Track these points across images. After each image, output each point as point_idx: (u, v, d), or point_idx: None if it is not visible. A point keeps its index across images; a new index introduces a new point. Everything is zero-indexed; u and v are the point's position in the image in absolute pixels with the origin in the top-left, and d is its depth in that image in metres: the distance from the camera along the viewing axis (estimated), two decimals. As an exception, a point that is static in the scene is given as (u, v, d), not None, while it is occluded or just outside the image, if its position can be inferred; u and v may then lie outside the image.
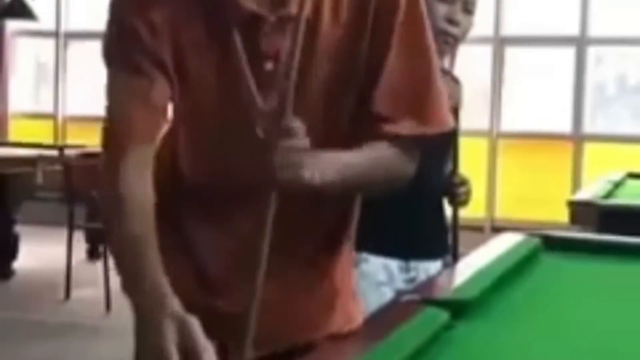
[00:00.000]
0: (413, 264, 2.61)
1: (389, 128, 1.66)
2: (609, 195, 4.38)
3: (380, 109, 1.66)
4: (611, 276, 2.42)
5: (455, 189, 2.72)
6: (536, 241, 2.59)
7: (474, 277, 2.01)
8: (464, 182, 2.75)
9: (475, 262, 2.21)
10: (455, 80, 2.67)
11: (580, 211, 3.90)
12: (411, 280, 2.58)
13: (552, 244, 2.63)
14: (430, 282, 2.24)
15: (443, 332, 1.63)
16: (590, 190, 4.49)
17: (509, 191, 8.16)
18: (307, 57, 1.60)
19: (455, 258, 2.72)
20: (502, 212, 8.05)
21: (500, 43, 8.22)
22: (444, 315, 1.67)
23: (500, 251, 2.37)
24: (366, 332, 1.64)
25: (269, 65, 1.63)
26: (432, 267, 2.62)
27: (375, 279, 2.53)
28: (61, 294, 6.18)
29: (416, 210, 2.64)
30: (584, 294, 2.22)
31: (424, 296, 1.78)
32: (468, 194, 2.76)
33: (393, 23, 1.65)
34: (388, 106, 1.67)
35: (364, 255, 2.49)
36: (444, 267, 2.63)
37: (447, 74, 2.67)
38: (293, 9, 1.59)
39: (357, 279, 2.44)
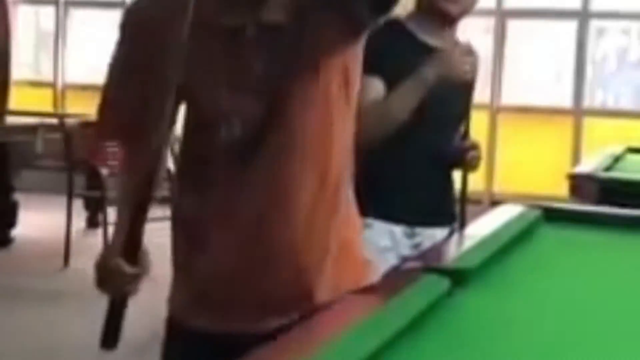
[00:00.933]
0: (418, 229, 2.61)
1: None
2: (609, 169, 4.38)
3: None
4: (611, 248, 2.43)
5: (465, 153, 2.69)
6: (536, 213, 2.60)
7: (475, 247, 2.02)
8: (474, 146, 2.72)
9: (477, 232, 2.22)
10: (471, 52, 2.62)
11: (580, 184, 3.90)
12: (416, 245, 2.58)
13: (553, 216, 2.64)
14: (433, 250, 2.25)
15: (443, 300, 1.64)
16: (591, 163, 4.49)
17: (508, 164, 8.16)
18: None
19: (463, 224, 2.73)
20: (501, 185, 8.06)
21: (501, 16, 8.19)
22: (444, 283, 1.68)
23: (502, 222, 2.38)
24: (367, 299, 1.65)
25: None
26: (438, 233, 2.62)
27: (378, 245, 2.53)
28: (60, 262, 6.19)
29: (424, 177, 2.64)
30: (583, 265, 2.22)
31: (425, 264, 1.79)
32: (478, 158, 2.74)
33: None
34: None
35: (369, 220, 2.48)
36: (449, 235, 2.63)
37: (460, 44, 2.66)
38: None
39: None
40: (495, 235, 2.20)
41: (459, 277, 1.74)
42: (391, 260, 2.49)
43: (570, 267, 2.19)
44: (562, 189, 4.10)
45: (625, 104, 8.36)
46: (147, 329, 4.99)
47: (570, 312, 1.76)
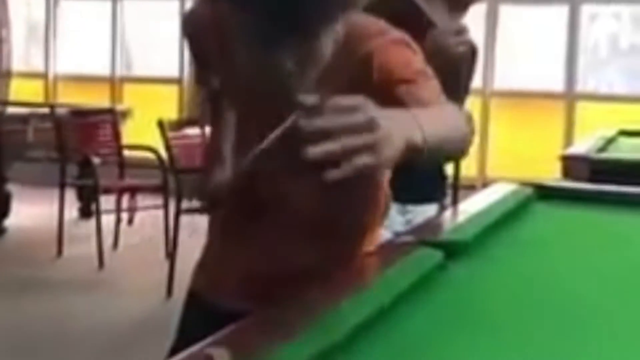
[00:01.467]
0: (410, 207, 2.61)
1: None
2: (601, 150, 4.38)
3: None
4: (604, 224, 2.43)
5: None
6: (529, 190, 2.60)
7: (469, 221, 2.02)
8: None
9: (469, 208, 2.22)
10: (465, 30, 2.66)
11: (573, 165, 3.90)
12: (408, 222, 2.58)
13: (545, 194, 2.64)
14: (426, 224, 2.25)
15: (437, 272, 1.64)
16: (583, 145, 4.49)
17: (501, 149, 8.16)
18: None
19: (456, 199, 2.73)
20: (494, 170, 8.05)
21: (494, 1, 8.18)
22: (437, 255, 1.68)
23: (495, 198, 2.38)
24: (360, 271, 1.65)
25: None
26: (429, 209, 2.62)
27: None
28: (53, 251, 6.18)
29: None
30: (576, 240, 2.23)
31: (418, 237, 1.79)
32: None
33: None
34: None
35: None
36: (440, 210, 2.63)
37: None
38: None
39: None
40: (488, 210, 2.20)
41: (452, 249, 1.74)
42: (386, 237, 2.48)
43: (563, 243, 2.19)
44: (555, 173, 4.09)
45: (618, 88, 8.35)
46: (144, 308, 5.00)
47: (562, 284, 1.77)
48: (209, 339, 1.15)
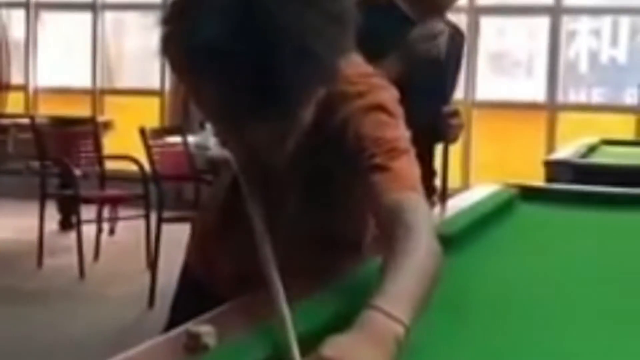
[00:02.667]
0: None
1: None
2: (584, 157, 4.39)
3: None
4: (586, 224, 2.43)
5: (447, 120, 2.61)
6: (513, 191, 2.59)
7: (455, 217, 2.02)
8: (456, 113, 2.64)
9: (456, 205, 2.22)
10: (461, 34, 2.74)
11: (556, 170, 3.90)
12: None
13: (529, 195, 2.64)
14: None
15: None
16: (566, 151, 4.50)
17: (483, 160, 8.17)
18: None
19: (445, 196, 2.71)
20: (477, 181, 8.05)
21: (475, 13, 8.21)
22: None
23: (479, 197, 2.37)
24: (349, 260, 1.63)
25: None
26: None
27: None
28: (34, 262, 6.13)
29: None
30: (560, 237, 2.23)
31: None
32: (460, 127, 2.67)
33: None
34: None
35: None
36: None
37: (452, 26, 2.68)
38: None
39: None
40: (474, 207, 2.19)
41: (440, 243, 1.72)
42: None
43: (548, 238, 2.19)
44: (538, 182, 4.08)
45: (598, 98, 8.38)
46: (126, 319, 4.96)
47: (546, 277, 1.76)
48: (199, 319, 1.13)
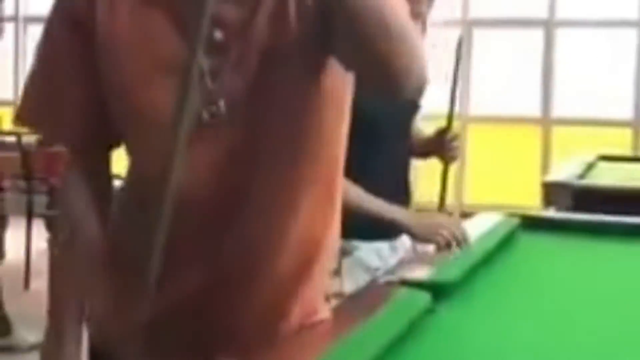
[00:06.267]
0: (399, 242, 2.49)
1: None
2: (582, 176, 4.30)
3: None
4: (590, 255, 2.35)
5: (449, 144, 2.70)
6: (515, 221, 2.51)
7: (455, 258, 1.92)
8: (456, 137, 2.74)
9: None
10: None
11: (555, 192, 3.80)
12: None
13: (531, 224, 2.56)
14: (409, 261, 2.13)
15: (425, 316, 1.51)
16: (564, 171, 4.40)
17: (478, 175, 8.07)
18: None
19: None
20: (472, 197, 7.97)
21: (468, 26, 8.13)
22: (425, 298, 1.55)
23: (480, 231, 2.28)
24: (342, 316, 1.51)
25: (218, 35, 1.37)
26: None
27: (370, 265, 2.42)
28: (20, 284, 6.00)
29: (394, 186, 2.53)
30: (564, 274, 2.14)
31: (403, 277, 1.66)
32: (459, 149, 2.77)
33: None
34: None
35: (355, 243, 2.39)
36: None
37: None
38: None
39: (352, 267, 2.35)
40: (475, 245, 2.10)
41: (439, 291, 1.62)
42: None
43: (552, 276, 2.10)
44: (533, 198, 4.02)
45: (594, 112, 8.30)
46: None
47: (555, 323, 1.66)
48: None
